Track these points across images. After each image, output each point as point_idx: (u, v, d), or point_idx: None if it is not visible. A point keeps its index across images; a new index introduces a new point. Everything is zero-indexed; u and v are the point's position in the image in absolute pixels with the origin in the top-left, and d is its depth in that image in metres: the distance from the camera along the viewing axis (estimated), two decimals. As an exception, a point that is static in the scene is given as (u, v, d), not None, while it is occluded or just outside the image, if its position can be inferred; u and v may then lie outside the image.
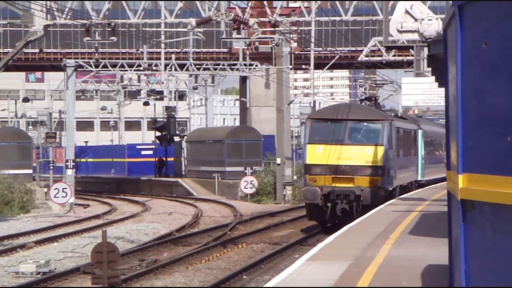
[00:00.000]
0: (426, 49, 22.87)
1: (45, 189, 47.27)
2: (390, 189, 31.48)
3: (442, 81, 20.07)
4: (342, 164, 29.81)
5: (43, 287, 19.82)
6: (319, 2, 51.05)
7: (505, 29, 5.46)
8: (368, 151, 30.01)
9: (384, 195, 30.23)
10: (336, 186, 29.68)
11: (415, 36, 23.04)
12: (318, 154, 30.00)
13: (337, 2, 52.12)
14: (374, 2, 51.43)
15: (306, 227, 33.70)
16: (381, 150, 30.05)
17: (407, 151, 36.32)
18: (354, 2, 50.16)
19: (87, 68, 50.24)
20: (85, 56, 55.22)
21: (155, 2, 51.70)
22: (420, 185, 39.39)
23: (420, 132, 40.32)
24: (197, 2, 49.46)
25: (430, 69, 22.22)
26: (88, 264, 21.26)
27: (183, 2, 47.76)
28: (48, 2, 38.43)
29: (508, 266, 5.41)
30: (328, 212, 29.60)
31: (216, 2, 47.06)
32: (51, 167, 51.20)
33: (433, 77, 24.76)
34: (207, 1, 48.25)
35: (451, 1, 6.53)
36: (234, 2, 48.61)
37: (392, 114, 36.68)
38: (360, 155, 29.97)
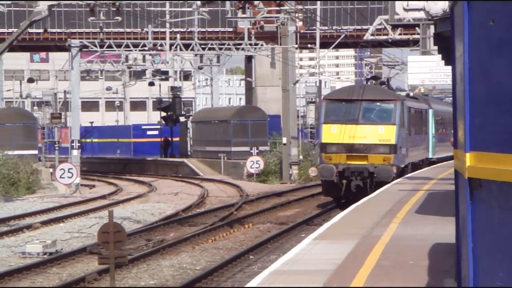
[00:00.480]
0: (432, 27, 22.76)
1: (51, 170, 47.34)
2: (402, 166, 32.97)
3: (448, 59, 19.98)
4: (356, 143, 31.21)
5: (49, 267, 19.88)
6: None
7: (513, 6, 5.41)
8: (381, 130, 31.45)
9: (397, 172, 31.68)
10: (351, 164, 31.10)
11: (421, 14, 22.93)
12: (334, 133, 31.43)
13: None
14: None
15: (313, 206, 33.73)
16: (393, 129, 31.48)
17: (419, 130, 37.66)
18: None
19: (91, 48, 50.17)
20: (90, 36, 55.12)
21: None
22: (431, 162, 40.68)
23: (430, 112, 41.49)
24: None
25: (436, 47, 22.11)
26: (94, 244, 21.31)
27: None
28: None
29: (515, 244, 5.40)
30: (343, 189, 31.06)
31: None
32: (57, 148, 51.24)
33: (440, 56, 24.65)
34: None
35: (458, -22, 6.47)
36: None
37: (404, 94, 38.27)
38: (374, 133, 31.40)
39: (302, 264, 12.74)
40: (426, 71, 40.65)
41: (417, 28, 40.37)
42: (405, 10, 22.57)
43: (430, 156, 41.27)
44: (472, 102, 6.04)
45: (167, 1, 48.50)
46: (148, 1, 47.01)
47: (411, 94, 43.21)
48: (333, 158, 31.23)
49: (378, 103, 31.95)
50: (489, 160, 5.75)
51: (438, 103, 47.14)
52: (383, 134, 31.37)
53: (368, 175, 30.92)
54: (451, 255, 11.06)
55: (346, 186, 31.04)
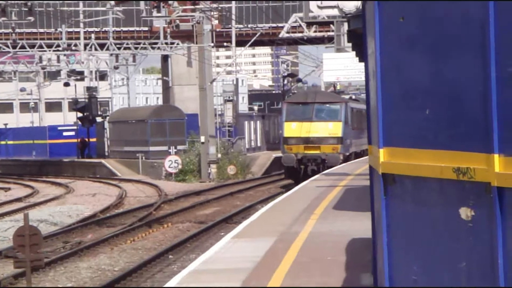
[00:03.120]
0: (346, 25, 22.99)
1: (-35, 174, 46.30)
2: (347, 154, 41.26)
3: (362, 56, 20.19)
4: (311, 136, 39.59)
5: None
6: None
7: (422, 2, 5.48)
8: (330, 126, 39.84)
9: (343, 158, 40.00)
10: (307, 153, 39.37)
11: (335, 12, 23.16)
12: (293, 129, 39.73)
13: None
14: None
15: (232, 205, 33.78)
16: (339, 125, 40.00)
17: (359, 126, 45.29)
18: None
19: (4, 49, 49.24)
20: (2, 37, 54.12)
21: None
22: None
23: None
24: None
25: (350, 44, 22.35)
26: (10, 248, 20.92)
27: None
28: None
29: (428, 237, 5.47)
30: (302, 172, 38.79)
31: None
32: (-30, 151, 50.13)
33: (354, 52, 24.92)
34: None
35: (369, -24, 6.52)
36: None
37: (348, 97, 48.75)
38: (324, 129, 39.78)
39: (221, 263, 12.73)
40: (341, 68, 42.05)
41: (331, 25, 40.82)
42: (319, 8, 22.75)
43: None
44: (384, 98, 6.10)
45: (81, 1, 47.92)
46: (61, 1, 46.36)
47: (353, 97, 52.12)
48: (293, 149, 39.50)
49: (327, 105, 40.40)
50: (402, 155, 5.81)
51: None
52: (331, 129, 39.69)
53: (321, 161, 39.13)
54: (367, 250, 11.19)
55: (303, 170, 38.83)
